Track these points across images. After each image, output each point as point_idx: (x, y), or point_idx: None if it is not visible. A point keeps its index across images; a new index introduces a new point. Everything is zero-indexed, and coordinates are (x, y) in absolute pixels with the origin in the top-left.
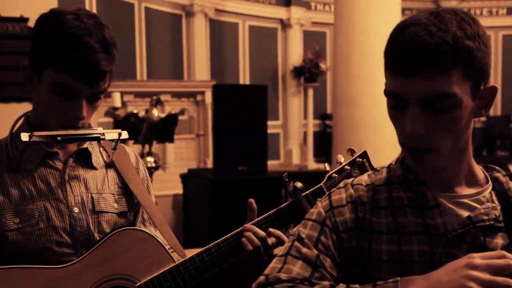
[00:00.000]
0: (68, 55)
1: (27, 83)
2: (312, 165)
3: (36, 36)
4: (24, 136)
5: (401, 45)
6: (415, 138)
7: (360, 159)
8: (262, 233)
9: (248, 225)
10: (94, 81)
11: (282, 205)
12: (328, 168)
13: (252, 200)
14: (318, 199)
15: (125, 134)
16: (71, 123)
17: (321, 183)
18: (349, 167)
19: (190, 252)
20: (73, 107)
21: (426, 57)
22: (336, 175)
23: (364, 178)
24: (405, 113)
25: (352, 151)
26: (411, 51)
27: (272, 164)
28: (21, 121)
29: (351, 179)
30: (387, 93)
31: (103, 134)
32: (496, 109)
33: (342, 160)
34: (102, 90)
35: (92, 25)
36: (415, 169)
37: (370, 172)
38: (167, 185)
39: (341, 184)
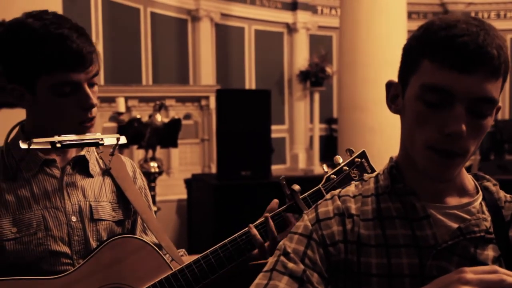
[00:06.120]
0: (52, 54)
1: (19, 102)
2: (318, 169)
3: (10, 53)
4: (23, 144)
5: (460, 40)
6: (453, 139)
7: (359, 159)
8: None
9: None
10: (88, 65)
11: (280, 209)
12: (326, 169)
13: (276, 200)
14: (305, 211)
15: (123, 139)
16: (87, 117)
17: (319, 185)
18: (347, 168)
19: (194, 257)
20: (81, 99)
21: (487, 58)
22: (335, 176)
23: (351, 189)
24: (443, 111)
25: (351, 152)
26: (472, 48)
27: (278, 168)
28: (16, 129)
29: (338, 190)
30: (429, 86)
31: (102, 139)
32: (504, 113)
33: (341, 161)
34: (96, 73)
35: (54, 18)
36: (432, 176)
37: (357, 182)
38: (172, 190)
39: (328, 196)
